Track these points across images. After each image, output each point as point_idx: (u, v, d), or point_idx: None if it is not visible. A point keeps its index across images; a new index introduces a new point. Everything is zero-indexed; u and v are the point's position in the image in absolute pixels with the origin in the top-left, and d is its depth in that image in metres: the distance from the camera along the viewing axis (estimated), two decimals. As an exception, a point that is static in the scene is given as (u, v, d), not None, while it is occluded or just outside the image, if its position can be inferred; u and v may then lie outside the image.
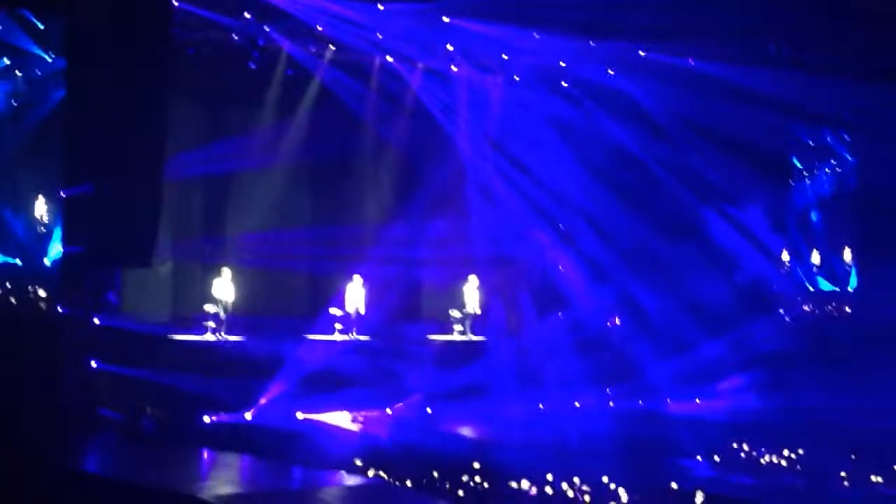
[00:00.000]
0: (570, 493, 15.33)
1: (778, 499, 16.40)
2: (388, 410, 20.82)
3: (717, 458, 18.25)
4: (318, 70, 23.74)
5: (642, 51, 23.80)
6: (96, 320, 19.13)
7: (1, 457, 15.56)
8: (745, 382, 23.58)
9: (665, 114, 25.19)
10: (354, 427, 19.79)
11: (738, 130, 24.70)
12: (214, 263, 22.36)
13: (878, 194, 25.44)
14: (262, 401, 19.64)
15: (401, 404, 20.95)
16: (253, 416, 19.36)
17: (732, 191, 26.47)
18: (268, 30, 22.44)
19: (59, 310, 19.34)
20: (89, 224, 18.83)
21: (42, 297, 20.99)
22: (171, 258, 22.78)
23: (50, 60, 22.87)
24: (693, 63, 24.10)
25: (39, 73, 23.37)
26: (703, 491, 15.40)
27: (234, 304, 21.97)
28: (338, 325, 22.85)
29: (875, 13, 20.53)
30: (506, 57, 24.41)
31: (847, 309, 28.16)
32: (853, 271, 29.59)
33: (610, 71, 24.96)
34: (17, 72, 23.53)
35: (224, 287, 21.95)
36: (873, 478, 17.00)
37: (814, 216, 30.21)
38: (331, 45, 23.36)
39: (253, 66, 23.04)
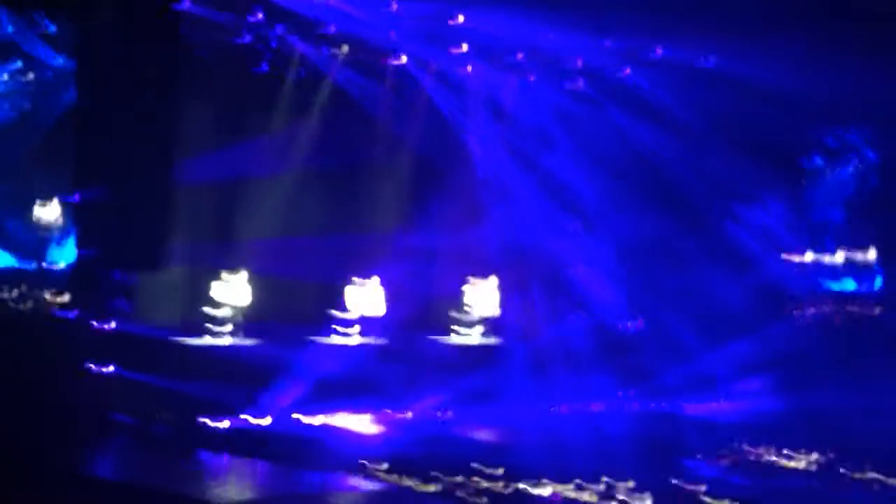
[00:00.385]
0: (588, 497, 15.17)
1: (793, 501, 16.23)
2: (404, 414, 20.66)
3: (731, 460, 18.05)
4: (330, 71, 23.62)
5: (659, 47, 23.65)
6: (108, 325, 19.00)
7: (13, 461, 15.52)
8: (766, 384, 23.38)
9: (682, 111, 24.98)
10: (370, 431, 19.64)
11: (757, 128, 24.50)
12: (226, 269, 22.17)
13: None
14: (276, 405, 19.50)
15: (416, 408, 20.78)
16: (267, 421, 19.22)
17: (752, 189, 26.25)
18: (280, 31, 22.31)
19: (71, 314, 19.25)
20: (101, 228, 18.84)
21: (54, 302, 20.92)
22: (182, 263, 22.63)
23: (61, 63, 22.82)
24: (710, 60, 23.91)
25: (50, 76, 23.35)
26: (715, 494, 15.23)
27: (247, 308, 21.82)
28: (353, 328, 22.69)
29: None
30: (520, 56, 24.26)
31: (876, 310, 27.85)
32: (878, 271, 29.32)
33: (627, 70, 24.79)
34: (29, 74, 23.52)
35: (238, 290, 21.79)
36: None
37: (836, 215, 29.97)
38: (343, 46, 23.24)
39: (265, 68, 22.94)
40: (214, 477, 16.64)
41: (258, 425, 19.01)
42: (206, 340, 21.09)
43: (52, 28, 22.16)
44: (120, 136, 18.60)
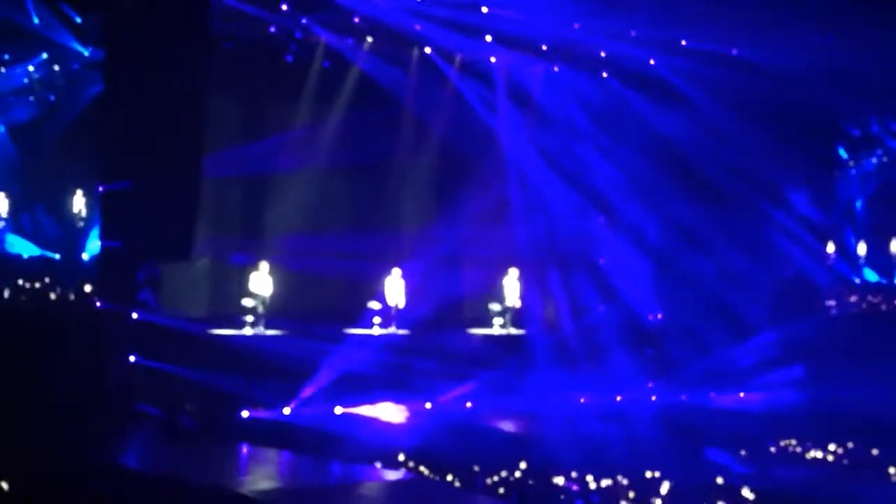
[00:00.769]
0: (612, 488, 15.15)
1: (822, 492, 16.16)
2: (428, 405, 20.67)
3: (759, 451, 18.01)
4: (355, 62, 23.55)
5: (685, 40, 23.55)
6: (135, 315, 19.06)
7: (42, 451, 15.60)
8: (790, 376, 23.31)
9: (707, 103, 24.86)
10: (394, 422, 19.66)
11: (783, 120, 24.40)
12: (251, 263, 22.20)
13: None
14: (302, 396, 19.54)
15: (441, 399, 20.79)
16: (292, 412, 19.26)
17: (778, 182, 26.12)
18: (304, 22, 22.27)
19: (98, 304, 19.31)
20: (127, 218, 18.84)
21: (81, 292, 21.00)
22: (208, 256, 22.68)
23: (87, 54, 22.87)
24: (736, 52, 23.80)
25: (77, 67, 23.40)
26: (747, 486, 15.17)
27: (271, 299, 21.84)
28: (377, 320, 22.69)
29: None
30: (545, 48, 24.19)
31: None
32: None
33: (651, 61, 24.70)
34: (54, 66, 23.58)
35: (262, 282, 21.82)
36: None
37: (859, 206, 29.85)
38: (368, 37, 23.17)
39: (290, 59, 22.92)
40: (240, 467, 16.68)
41: (284, 415, 19.07)
42: (230, 331, 21.13)
43: (79, 19, 22.18)
44: (146, 128, 18.59)
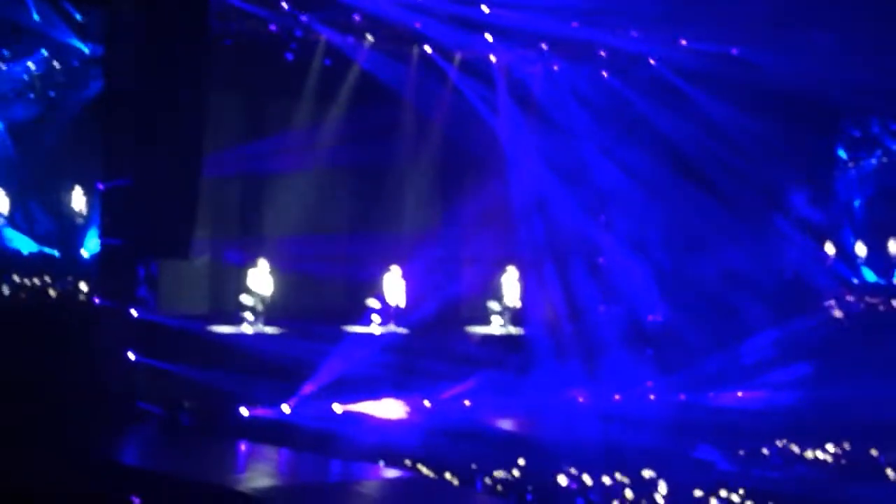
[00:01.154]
0: (611, 487, 15.17)
1: (811, 492, 16.21)
2: (427, 403, 20.69)
3: (759, 452, 18.03)
4: (356, 60, 23.53)
5: (684, 40, 23.54)
6: (134, 313, 19.07)
7: (41, 448, 15.62)
8: (789, 376, 23.32)
9: (708, 102, 24.86)
10: (393, 420, 19.67)
11: (781, 121, 24.40)
12: (246, 262, 22.21)
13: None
14: (301, 393, 19.56)
15: (440, 397, 20.80)
16: (291, 409, 19.28)
17: (777, 182, 26.12)
18: (305, 20, 22.26)
19: (97, 302, 19.31)
20: (127, 216, 18.83)
21: (80, 289, 21.00)
22: (208, 254, 22.68)
23: (87, 51, 22.86)
24: (735, 52, 23.80)
25: (77, 64, 23.38)
26: (742, 486, 15.22)
27: (271, 297, 21.85)
28: (376, 318, 22.71)
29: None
30: (545, 46, 24.18)
31: (894, 302, 27.78)
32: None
33: (651, 60, 24.71)
34: (54, 63, 23.56)
35: (262, 279, 21.83)
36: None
37: (858, 206, 29.86)
38: (369, 35, 23.16)
39: (290, 57, 22.91)
40: (239, 464, 16.70)
41: (282, 413, 19.09)
42: (230, 329, 21.15)
43: (79, 16, 22.17)
44: (146, 125, 18.58)
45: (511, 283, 24.34)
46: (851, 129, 28.66)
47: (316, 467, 16.29)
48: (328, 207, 24.25)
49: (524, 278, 24.43)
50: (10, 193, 24.08)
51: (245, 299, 21.58)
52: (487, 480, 15.35)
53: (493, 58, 24.50)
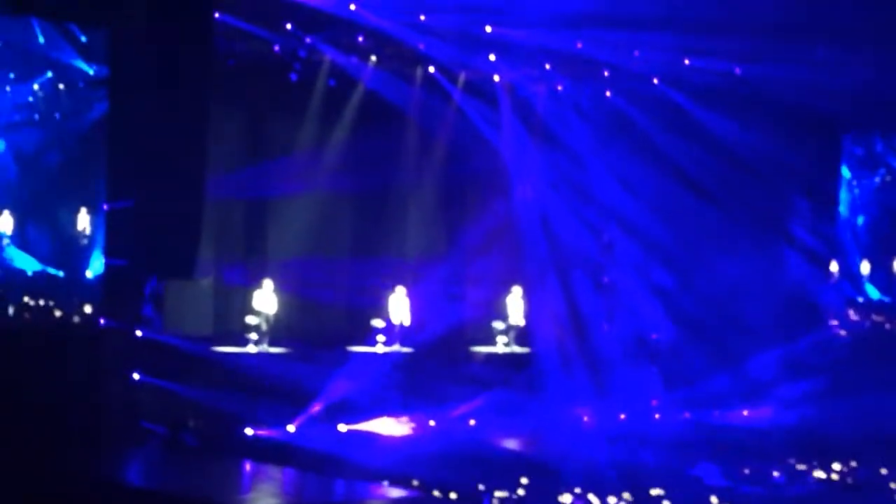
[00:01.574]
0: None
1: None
2: (432, 423, 20.66)
3: (765, 470, 17.99)
4: (359, 81, 23.57)
5: (687, 59, 23.56)
6: (139, 333, 19.07)
7: (44, 468, 15.61)
8: (795, 394, 23.28)
9: (709, 120, 24.89)
10: (398, 440, 19.64)
11: (785, 138, 24.42)
12: (248, 283, 22.20)
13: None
14: (306, 413, 19.53)
15: (445, 417, 20.77)
16: (296, 429, 19.25)
17: (781, 200, 26.12)
18: (309, 41, 22.31)
19: (102, 322, 19.31)
20: (131, 236, 18.85)
21: (85, 310, 21.01)
22: (212, 275, 22.68)
23: (92, 73, 22.94)
24: (738, 71, 23.82)
25: (82, 86, 23.46)
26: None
27: (275, 317, 21.84)
28: (381, 338, 22.70)
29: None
30: (548, 66, 24.22)
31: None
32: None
33: (654, 80, 24.74)
34: (59, 85, 23.64)
35: (266, 300, 21.84)
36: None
37: (862, 224, 29.86)
38: (372, 57, 23.21)
39: (294, 78, 22.96)
40: (243, 484, 16.66)
41: (287, 433, 19.06)
42: (234, 349, 21.14)
43: (84, 38, 22.25)
44: (151, 146, 18.60)
45: (515, 302, 24.33)
46: (855, 147, 28.69)
47: (320, 488, 16.26)
48: (332, 229, 24.22)
49: (529, 297, 24.42)
50: (14, 214, 24.15)
51: (250, 319, 21.58)
52: (493, 500, 15.31)
53: (496, 77, 24.55)
